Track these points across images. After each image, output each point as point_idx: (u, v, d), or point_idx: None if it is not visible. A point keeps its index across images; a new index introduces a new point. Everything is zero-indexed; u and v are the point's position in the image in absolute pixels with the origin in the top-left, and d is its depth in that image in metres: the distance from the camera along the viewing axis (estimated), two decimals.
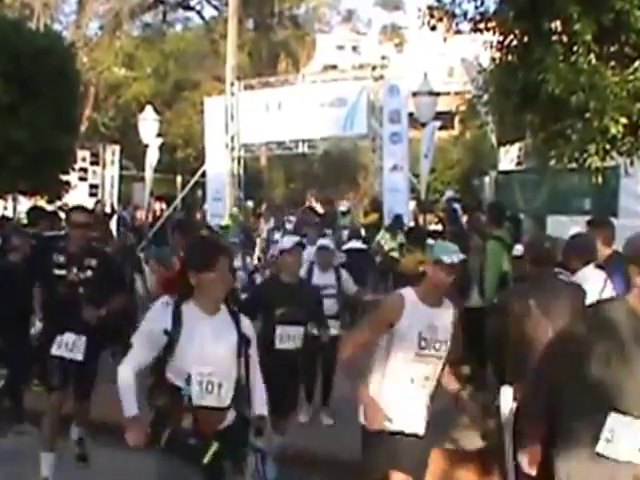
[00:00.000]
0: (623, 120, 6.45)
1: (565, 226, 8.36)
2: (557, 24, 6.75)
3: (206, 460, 3.32)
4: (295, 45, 32.96)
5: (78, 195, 14.89)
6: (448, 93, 24.61)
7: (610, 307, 3.13)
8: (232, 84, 17.85)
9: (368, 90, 16.12)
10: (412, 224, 13.74)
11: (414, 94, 14.13)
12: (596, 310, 3.21)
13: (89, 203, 14.36)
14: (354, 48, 46.92)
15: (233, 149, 17.89)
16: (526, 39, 7.12)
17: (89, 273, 5.53)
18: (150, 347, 3.37)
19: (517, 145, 11.42)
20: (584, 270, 4.61)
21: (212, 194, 18.51)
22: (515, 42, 7.30)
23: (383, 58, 36.05)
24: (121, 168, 18.40)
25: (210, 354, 3.35)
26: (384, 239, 12.18)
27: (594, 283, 4.44)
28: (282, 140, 17.69)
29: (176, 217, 16.97)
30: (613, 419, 2.97)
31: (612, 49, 6.72)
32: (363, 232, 13.58)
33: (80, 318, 5.39)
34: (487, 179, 14.12)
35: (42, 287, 5.73)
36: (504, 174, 12.09)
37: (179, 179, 23.76)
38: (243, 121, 17.57)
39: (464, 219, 11.91)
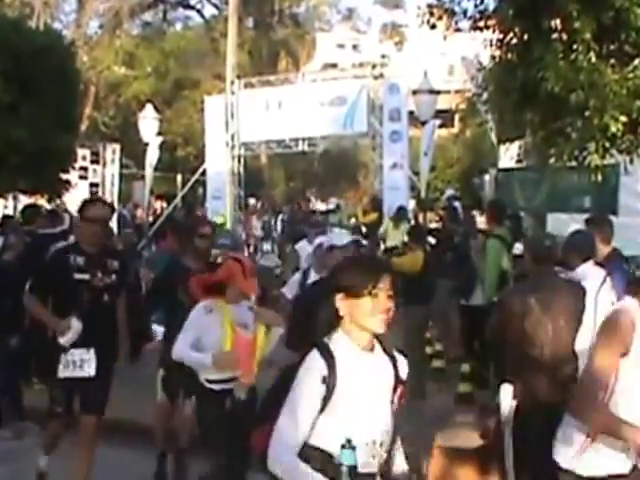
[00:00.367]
0: (623, 118, 6.45)
1: (565, 224, 8.39)
2: (557, 22, 6.72)
3: None
4: (295, 44, 32.96)
5: (78, 194, 14.87)
6: (448, 91, 24.60)
7: None
8: (232, 83, 17.79)
9: (368, 88, 16.11)
10: (412, 222, 13.75)
11: (414, 92, 14.10)
12: None
13: None
14: (354, 46, 46.92)
15: (233, 147, 17.84)
16: (526, 37, 7.11)
17: (114, 277, 4.97)
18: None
19: (517, 143, 11.38)
20: (583, 267, 4.60)
21: (212, 192, 18.48)
22: (515, 40, 7.29)
23: (383, 56, 35.91)
24: (121, 167, 18.33)
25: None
26: (387, 229, 12.22)
27: (593, 280, 4.43)
28: (282, 138, 17.64)
29: (176, 215, 16.98)
30: None
31: (612, 47, 6.71)
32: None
33: (107, 329, 4.87)
34: (487, 177, 14.10)
35: (41, 288, 5.03)
36: (504, 172, 12.06)
37: (179, 177, 23.74)
38: (243, 119, 17.52)
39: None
